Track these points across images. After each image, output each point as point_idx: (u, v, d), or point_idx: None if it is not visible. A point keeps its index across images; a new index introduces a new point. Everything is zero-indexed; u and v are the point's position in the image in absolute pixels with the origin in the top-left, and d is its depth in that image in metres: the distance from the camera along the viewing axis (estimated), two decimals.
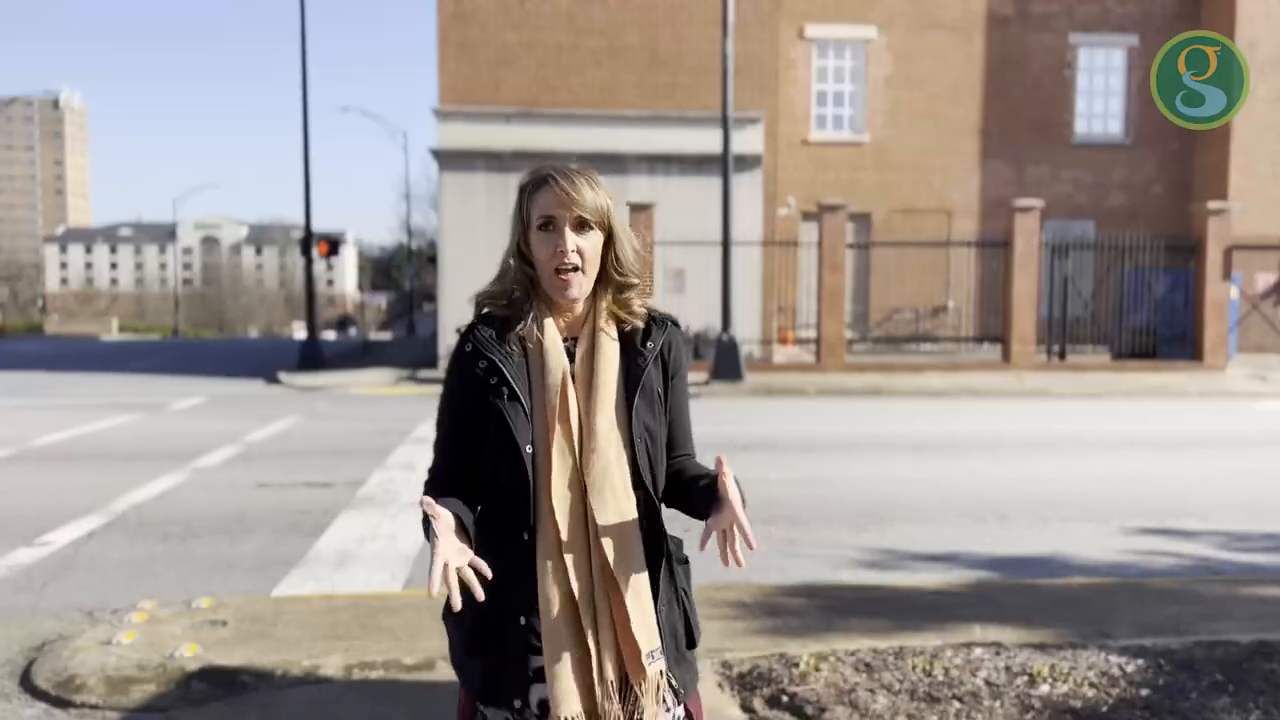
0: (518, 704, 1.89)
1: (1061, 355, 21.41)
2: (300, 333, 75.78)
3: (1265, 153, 27.88)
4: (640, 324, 2.00)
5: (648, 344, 1.98)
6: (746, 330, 21.58)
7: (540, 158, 15.37)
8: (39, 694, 4.11)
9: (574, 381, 1.94)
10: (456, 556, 1.74)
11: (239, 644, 4.40)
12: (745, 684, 3.95)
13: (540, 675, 1.88)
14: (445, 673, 3.63)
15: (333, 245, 23.88)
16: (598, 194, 1.94)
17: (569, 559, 1.87)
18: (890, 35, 28.16)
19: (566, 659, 1.85)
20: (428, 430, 9.99)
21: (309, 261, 23.16)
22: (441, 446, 2.01)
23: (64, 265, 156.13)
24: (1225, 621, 4.67)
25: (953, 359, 22.56)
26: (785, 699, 3.76)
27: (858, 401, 16.07)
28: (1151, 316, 21.34)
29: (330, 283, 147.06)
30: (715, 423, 12.29)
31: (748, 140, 22.63)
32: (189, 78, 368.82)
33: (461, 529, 1.85)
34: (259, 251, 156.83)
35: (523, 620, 1.90)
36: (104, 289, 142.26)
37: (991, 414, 14.30)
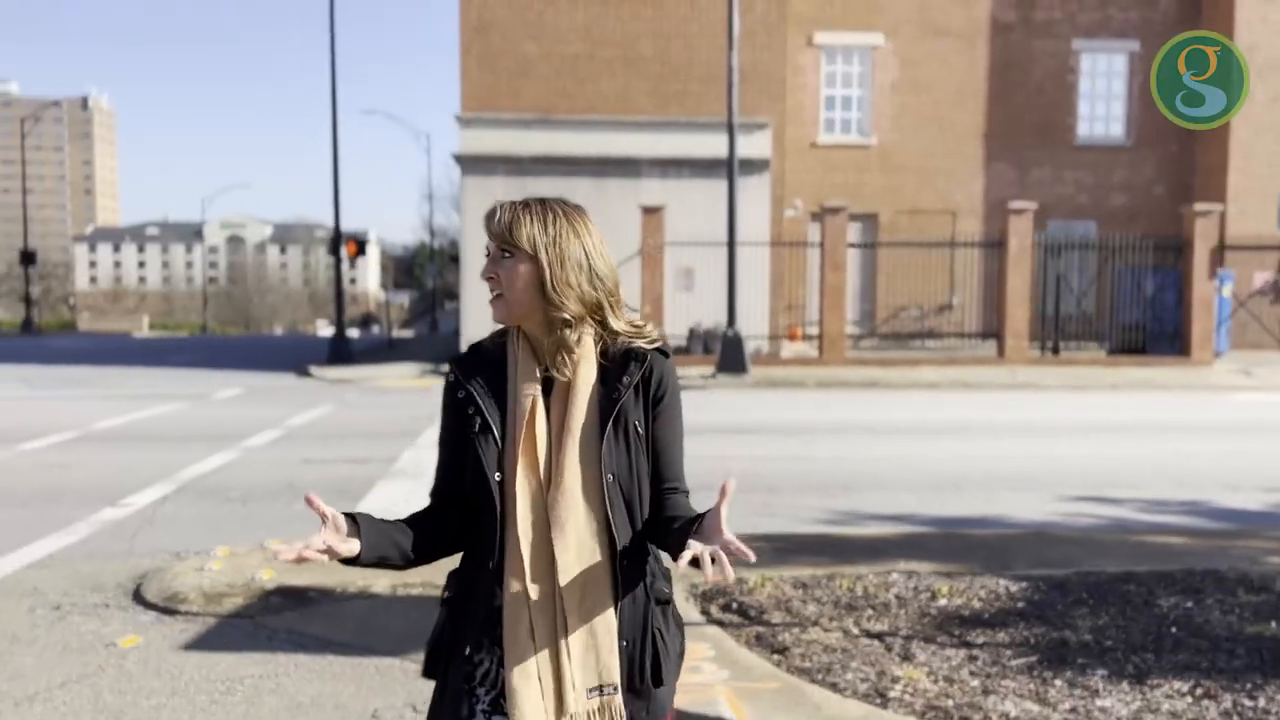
0: None
1: (1055, 350, 22.34)
2: (324, 330, 77.24)
3: (1263, 154, 28.64)
4: (617, 355, 1.96)
5: (623, 378, 1.94)
6: (754, 327, 22.62)
7: (558, 162, 17.35)
8: (149, 605, 5.22)
9: (549, 414, 1.93)
10: (326, 537, 1.82)
11: (305, 571, 5.51)
12: (705, 597, 5.02)
13: (487, 714, 1.94)
14: None
15: (360, 246, 25.06)
16: (522, 222, 1.92)
17: (533, 590, 1.88)
18: (896, 42, 29.06)
19: (529, 689, 1.86)
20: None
21: (338, 261, 24.35)
22: (439, 468, 2.05)
23: (93, 264, 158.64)
24: (1106, 560, 5.70)
25: (953, 354, 23.52)
26: (735, 606, 4.83)
27: (854, 393, 17.09)
28: (1142, 314, 22.24)
29: (353, 281, 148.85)
30: (715, 411, 13.35)
31: (755, 145, 23.65)
32: (213, 79, 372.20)
33: (355, 531, 1.89)
34: (283, 250, 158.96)
35: (467, 650, 1.94)
36: (132, 287, 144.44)
37: (977, 404, 15.29)
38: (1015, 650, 4.30)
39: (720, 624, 4.66)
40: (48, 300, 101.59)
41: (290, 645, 4.61)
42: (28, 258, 45.53)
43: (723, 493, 1.76)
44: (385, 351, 29.62)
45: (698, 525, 1.81)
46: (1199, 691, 3.86)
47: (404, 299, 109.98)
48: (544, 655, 1.87)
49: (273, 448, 10.73)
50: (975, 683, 3.96)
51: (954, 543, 6.21)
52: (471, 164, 22.96)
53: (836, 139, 29.12)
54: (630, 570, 1.92)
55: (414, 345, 34.44)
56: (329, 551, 1.82)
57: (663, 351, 1.99)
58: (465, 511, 1.96)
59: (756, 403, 15.34)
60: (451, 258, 47.09)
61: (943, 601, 4.92)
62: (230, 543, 6.43)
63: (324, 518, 1.82)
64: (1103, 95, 30.06)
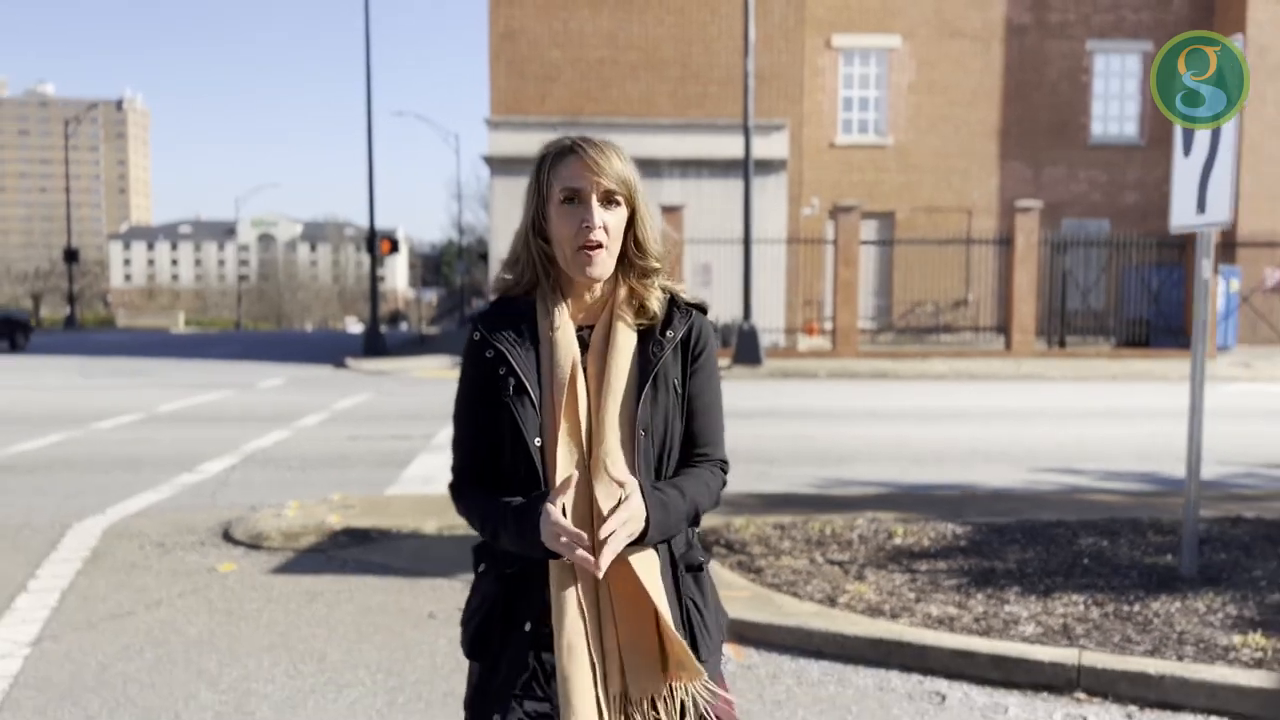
0: (496, 719, 1.81)
1: (1061, 344, 23.14)
2: (353, 326, 78.71)
3: (1274, 153, 29.28)
4: (661, 311, 1.87)
5: (667, 332, 1.85)
6: (772, 321, 23.58)
7: None
8: (237, 542, 6.27)
9: (585, 372, 1.82)
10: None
11: (365, 517, 6.56)
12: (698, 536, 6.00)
13: (529, 691, 1.81)
14: None
15: (394, 244, 26.18)
16: (625, 166, 1.83)
17: (575, 565, 1.75)
18: (913, 44, 29.87)
19: (580, 670, 1.73)
20: None
21: (374, 259, 25.50)
22: (461, 443, 1.92)
23: (127, 262, 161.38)
24: (1046, 511, 6.64)
25: (965, 347, 24.35)
26: (723, 541, 5.81)
27: (863, 383, 18.00)
28: (1146, 309, 23.00)
29: (382, 279, 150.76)
30: (728, 398, 14.31)
31: (773, 145, 24.59)
32: (243, 81, 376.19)
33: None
34: (313, 248, 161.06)
35: (527, 627, 1.82)
36: (165, 285, 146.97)
37: (978, 393, 16.17)
38: (949, 574, 5.26)
39: (709, 553, 5.65)
40: (84, 297, 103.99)
41: (358, 569, 5.65)
42: (71, 255, 47.01)
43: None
44: (416, 345, 30.82)
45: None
46: (1089, 601, 4.81)
47: (432, 296, 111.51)
48: (594, 635, 1.75)
49: (322, 427, 11.81)
50: (911, 594, 4.93)
51: (918, 500, 7.16)
52: (500, 165, 24.03)
53: (854, 139, 29.97)
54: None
55: (443, 340, 35.61)
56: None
57: (701, 308, 1.91)
58: (498, 486, 1.84)
59: (768, 391, 16.30)
60: (480, 255, 48.17)
61: (897, 540, 5.89)
62: (297, 499, 7.48)
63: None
64: (1116, 95, 30.74)
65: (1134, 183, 30.69)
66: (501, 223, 23.56)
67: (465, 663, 1.95)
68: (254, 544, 6.19)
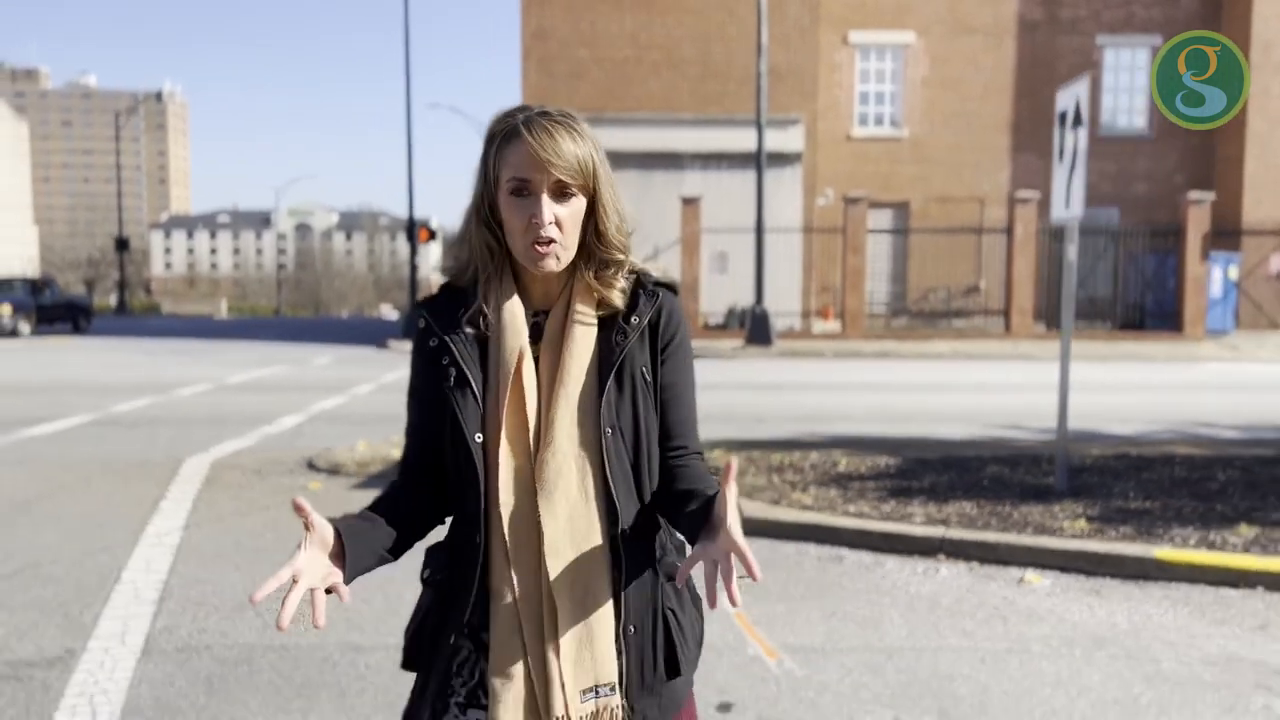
0: None
1: (1059, 326, 24.43)
2: (388, 313, 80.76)
3: (1279, 145, 30.25)
4: (623, 298, 1.68)
5: (632, 318, 1.66)
6: (787, 305, 25.02)
7: (610, 157, 20.99)
8: (319, 470, 7.89)
9: (537, 365, 1.65)
10: (313, 575, 1.48)
11: None
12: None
13: (475, 700, 1.67)
14: None
15: (432, 233, 27.86)
16: (580, 147, 1.60)
17: (514, 574, 1.61)
18: (927, 40, 31.09)
19: (512, 688, 1.61)
20: None
21: (413, 248, 27.19)
22: (409, 432, 1.75)
23: (168, 250, 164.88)
24: (972, 451, 8.12)
25: (971, 330, 25.68)
26: None
27: (866, 361, 19.44)
28: (1142, 294, 24.25)
29: (417, 267, 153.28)
30: (736, 374, 15.84)
31: (789, 139, 26.00)
32: (279, 73, 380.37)
33: (340, 553, 1.56)
34: (349, 237, 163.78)
35: (452, 640, 1.66)
36: (204, 273, 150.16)
37: (970, 370, 17.57)
38: (874, 490, 6.77)
39: None
40: (129, 285, 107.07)
41: None
42: (122, 244, 49.14)
43: (726, 474, 1.49)
44: None
45: (708, 517, 1.53)
46: (974, 506, 6.31)
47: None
48: (532, 652, 1.62)
49: (373, 395, 13.45)
50: (840, 501, 6.45)
51: (870, 443, 8.67)
52: None
53: (870, 131, 31.26)
54: (635, 545, 1.65)
55: None
56: (312, 594, 1.49)
57: (671, 288, 1.74)
58: (443, 482, 1.70)
59: (774, 367, 17.79)
60: None
61: (840, 468, 7.41)
62: (364, 440, 9.09)
63: (309, 527, 1.52)
64: (1126, 89, 31.80)
65: (1143, 173, 31.72)
66: None
67: None
68: (333, 470, 7.81)
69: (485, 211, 1.67)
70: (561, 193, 1.61)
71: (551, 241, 1.61)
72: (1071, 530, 5.62)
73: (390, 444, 8.66)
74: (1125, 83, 31.98)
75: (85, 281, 67.52)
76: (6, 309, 26.60)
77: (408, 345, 21.22)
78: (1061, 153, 6.80)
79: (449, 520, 1.75)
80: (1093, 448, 8.36)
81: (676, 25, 26.88)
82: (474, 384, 1.65)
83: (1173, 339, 22.94)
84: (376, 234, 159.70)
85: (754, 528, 5.91)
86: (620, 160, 25.89)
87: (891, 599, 4.90)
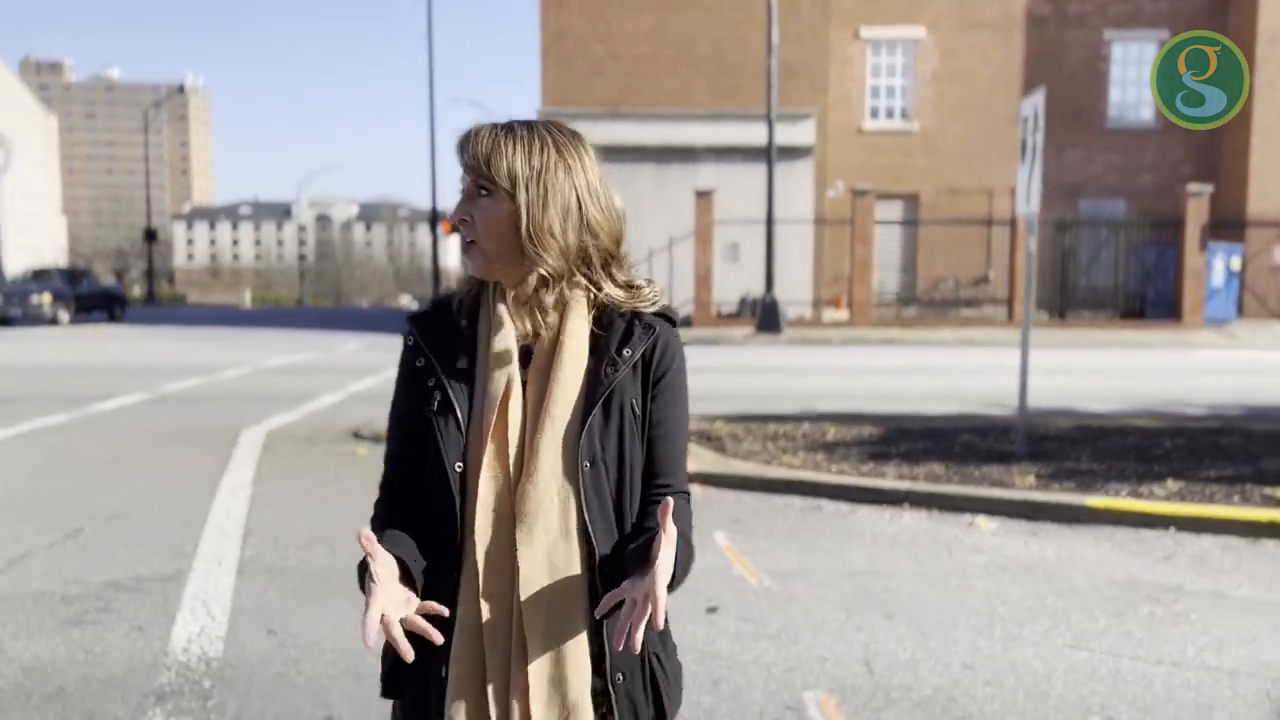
0: None
1: (1062, 315, 25.19)
2: (408, 304, 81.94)
3: None
4: (617, 321, 1.62)
5: (624, 350, 1.60)
6: (799, 295, 25.85)
7: (626, 151, 22.12)
8: (363, 438, 8.84)
9: (524, 390, 1.59)
10: (398, 606, 1.47)
11: None
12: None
13: None
14: None
15: (454, 225, 28.79)
16: (503, 152, 1.55)
17: (487, 606, 1.54)
18: (937, 35, 31.77)
19: None
20: None
21: (435, 239, 28.16)
22: (391, 454, 1.69)
23: (190, 241, 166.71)
24: (953, 424, 8.98)
25: (976, 318, 26.45)
26: (704, 436, 8.25)
27: (871, 348, 20.28)
28: (1142, 284, 24.99)
29: (434, 258, 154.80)
30: (743, 359, 16.73)
31: (800, 133, 26.81)
32: (298, 65, 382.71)
33: (406, 575, 1.53)
34: (368, 228, 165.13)
35: (444, 671, 1.58)
36: (226, 264, 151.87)
37: (970, 356, 18.37)
38: (856, 454, 7.66)
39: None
40: (147, 276, 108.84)
41: None
42: (150, 235, 50.35)
43: (663, 513, 1.44)
44: None
45: (646, 555, 1.48)
46: (943, 467, 7.18)
47: None
48: (497, 690, 1.54)
49: None
50: (824, 463, 7.34)
51: (858, 417, 9.54)
52: None
53: (881, 125, 32.00)
54: (614, 583, 1.53)
55: None
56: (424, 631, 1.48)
57: (668, 318, 1.65)
58: (423, 508, 1.62)
59: (781, 354, 18.66)
60: None
61: (829, 437, 8.29)
62: None
63: (373, 558, 1.47)
64: (1133, 82, 32.38)
65: (1149, 165, 32.30)
66: None
67: None
68: (376, 439, 8.73)
69: None
70: (478, 191, 1.57)
71: (469, 241, 1.59)
72: (1021, 484, 6.49)
73: None
74: (1133, 76, 32.54)
75: (115, 272, 68.88)
76: (47, 298, 27.70)
77: None
78: (1023, 154, 7.64)
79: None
80: (1061, 421, 9.22)
81: (692, 23, 27.71)
82: (458, 410, 1.58)
83: (1171, 327, 23.66)
84: (396, 225, 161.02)
85: (747, 484, 6.81)
86: (637, 154, 26.83)
87: (859, 538, 5.79)
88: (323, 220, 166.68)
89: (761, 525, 6.00)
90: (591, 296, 1.63)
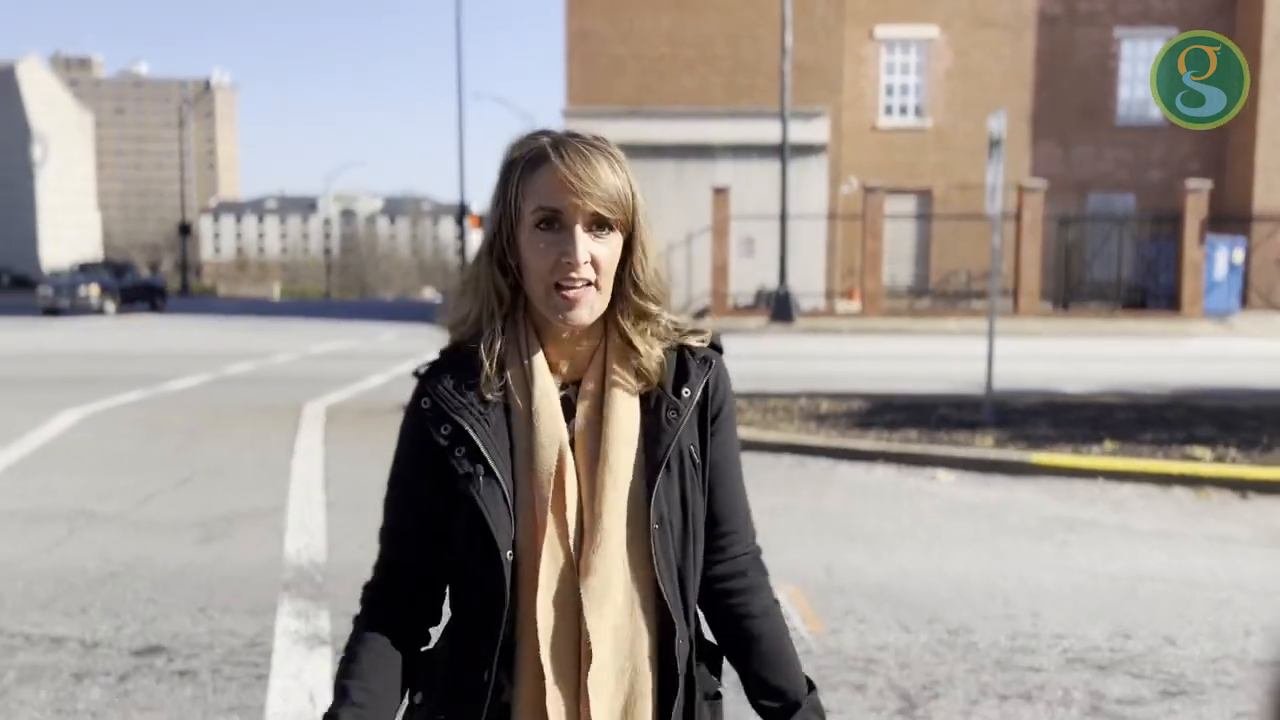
0: None
1: (1064, 306, 26.15)
2: (431, 297, 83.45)
3: None
4: (668, 363, 1.42)
5: (683, 390, 1.40)
6: (813, 287, 26.89)
7: (645, 149, 23.85)
8: None
9: (573, 453, 1.38)
10: None
11: None
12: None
13: None
14: None
15: (481, 219, 30.03)
16: (618, 176, 1.35)
17: (556, 707, 1.34)
18: (950, 34, 32.67)
19: None
20: None
21: (462, 232, 29.36)
22: (394, 534, 1.44)
23: (217, 235, 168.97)
24: (935, 400, 10.07)
25: (986, 309, 27.41)
26: None
27: (880, 336, 21.34)
28: (1144, 277, 25.91)
29: (460, 251, 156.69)
30: (756, 347, 17.84)
31: (814, 130, 27.83)
32: (323, 59, 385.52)
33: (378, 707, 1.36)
34: (392, 222, 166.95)
35: None
36: (253, 257, 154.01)
37: (972, 344, 19.35)
38: (846, 424, 8.77)
39: None
40: (176, 271, 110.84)
41: None
42: (185, 229, 51.85)
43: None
44: None
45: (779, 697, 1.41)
46: (917, 433, 8.29)
47: None
48: None
49: None
50: (816, 430, 8.46)
51: (853, 394, 10.65)
52: None
53: (895, 122, 32.95)
54: (681, 659, 1.39)
55: None
56: None
57: (718, 348, 1.48)
58: (433, 599, 1.43)
59: (793, 342, 19.75)
60: None
61: (823, 410, 9.42)
62: None
63: None
64: (1142, 79, 33.06)
65: (1158, 161, 33.06)
66: None
67: None
68: None
69: (501, 249, 1.39)
70: (598, 226, 1.34)
71: (586, 284, 1.34)
72: (980, 445, 7.59)
73: None
74: (1142, 74, 33.20)
75: (150, 265, 70.55)
76: (95, 290, 29.09)
77: None
78: (990, 160, 8.72)
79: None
80: (1030, 398, 10.30)
81: (709, 24, 28.76)
82: (503, 483, 1.35)
83: (1170, 318, 24.57)
84: (419, 219, 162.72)
85: (745, 446, 7.94)
86: (656, 152, 27.93)
87: (836, 487, 6.92)
88: (347, 214, 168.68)
89: (754, 477, 7.12)
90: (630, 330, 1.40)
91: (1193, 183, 25.68)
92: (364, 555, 4.56)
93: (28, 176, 62.20)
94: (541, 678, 1.35)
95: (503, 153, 1.41)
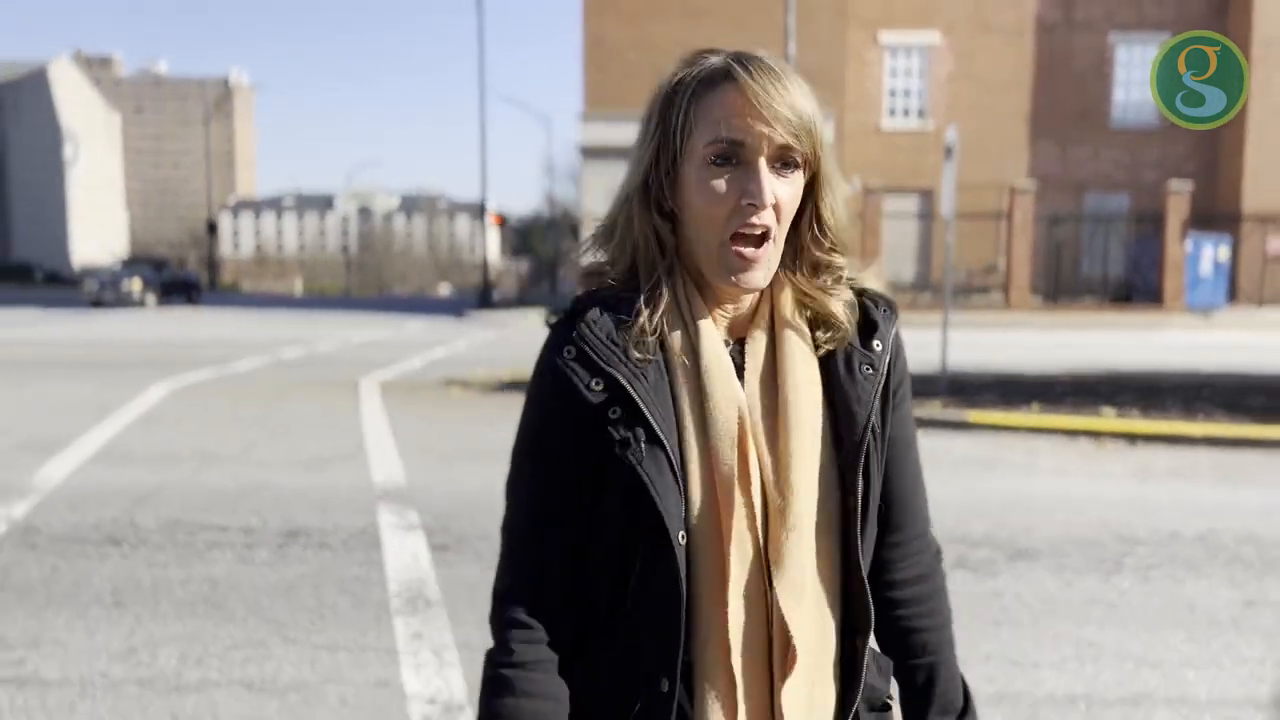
0: None
1: (1054, 300, 27.61)
2: (445, 292, 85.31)
3: (1278, 135, 32.79)
4: (852, 308, 1.22)
5: (874, 344, 1.21)
6: None
7: None
8: (453, 384, 11.62)
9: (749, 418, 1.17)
10: None
11: (517, 376, 11.86)
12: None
13: None
14: None
15: (504, 218, 31.66)
16: (809, 102, 1.14)
17: (744, 710, 1.16)
18: (952, 39, 34.09)
19: None
20: None
21: (485, 231, 31.01)
22: (528, 527, 1.21)
23: (235, 232, 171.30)
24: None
25: (982, 302, 28.89)
26: None
27: None
28: (1130, 273, 27.36)
29: (473, 249, 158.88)
30: None
31: None
32: (338, 56, 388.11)
33: None
34: (408, 219, 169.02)
35: None
36: (270, 254, 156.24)
37: (963, 335, 20.83)
38: None
39: None
40: (200, 267, 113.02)
41: (517, 391, 10.93)
42: (212, 227, 53.69)
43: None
44: (516, 303, 36.40)
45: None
46: None
47: (523, 266, 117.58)
48: None
49: (473, 349, 17.23)
50: None
51: None
52: (591, 152, 29.27)
53: (899, 124, 34.40)
54: (862, 652, 1.22)
55: (538, 299, 41.16)
56: None
57: (892, 304, 1.27)
58: (586, 603, 1.21)
59: None
60: (571, 228, 53.29)
61: None
62: (479, 370, 12.79)
63: None
64: (1137, 83, 34.48)
65: (1153, 161, 34.35)
66: (594, 202, 28.82)
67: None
68: (464, 385, 11.55)
69: (658, 189, 1.17)
70: (784, 163, 1.13)
71: (763, 238, 1.13)
72: (929, 408, 9.15)
73: (496, 372, 12.40)
74: (1137, 77, 34.60)
75: (178, 261, 72.53)
76: (137, 284, 30.87)
77: (484, 316, 25.44)
78: (945, 170, 10.26)
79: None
80: (986, 376, 11.85)
81: (719, 32, 30.27)
82: (669, 450, 1.13)
83: (1153, 312, 26.00)
84: (435, 216, 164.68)
85: None
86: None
87: None
88: (364, 211, 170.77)
89: None
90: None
91: (1175, 184, 27.10)
92: (434, 482, 6.26)
93: (59, 176, 64.20)
94: (728, 689, 1.15)
95: (667, 73, 1.21)
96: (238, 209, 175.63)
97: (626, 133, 22.75)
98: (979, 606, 4.48)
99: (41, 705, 3.54)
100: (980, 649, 3.98)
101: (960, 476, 7.11)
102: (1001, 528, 5.76)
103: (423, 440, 8.35)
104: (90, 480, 6.84)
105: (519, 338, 20.21)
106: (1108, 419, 8.50)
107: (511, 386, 11.38)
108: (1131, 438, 8.10)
